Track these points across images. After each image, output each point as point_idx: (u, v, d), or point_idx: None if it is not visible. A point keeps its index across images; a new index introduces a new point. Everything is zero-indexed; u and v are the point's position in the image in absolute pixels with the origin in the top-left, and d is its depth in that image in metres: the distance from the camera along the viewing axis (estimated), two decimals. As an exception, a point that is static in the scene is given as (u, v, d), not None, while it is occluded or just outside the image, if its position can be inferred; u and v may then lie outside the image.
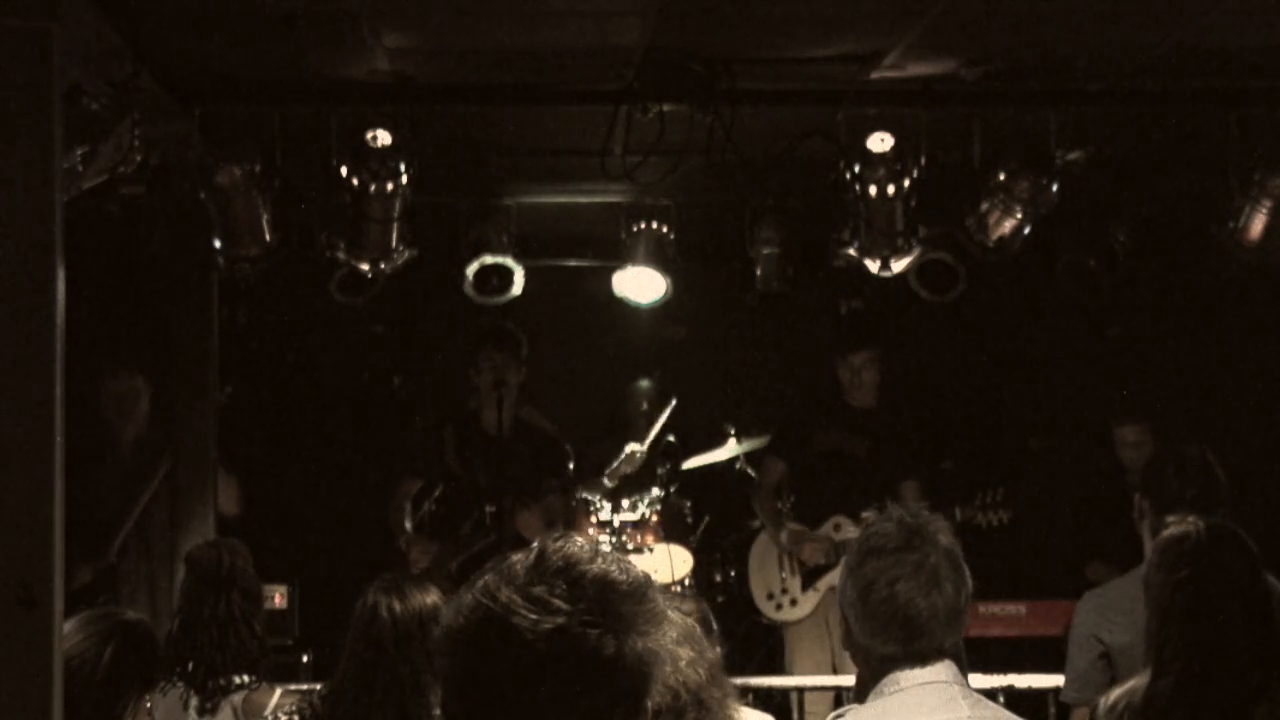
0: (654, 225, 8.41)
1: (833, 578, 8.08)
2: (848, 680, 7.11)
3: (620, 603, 2.13)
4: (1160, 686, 4.00)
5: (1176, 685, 3.97)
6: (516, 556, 2.18)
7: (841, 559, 8.10)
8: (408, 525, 8.39)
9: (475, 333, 8.47)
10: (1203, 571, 4.06)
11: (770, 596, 8.51)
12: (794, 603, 8.41)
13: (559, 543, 2.18)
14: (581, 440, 9.13)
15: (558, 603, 2.11)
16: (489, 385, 8.22)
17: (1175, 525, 4.21)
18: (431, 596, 4.49)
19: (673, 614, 2.98)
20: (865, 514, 3.37)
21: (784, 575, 8.43)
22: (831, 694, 7.66)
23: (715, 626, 4.56)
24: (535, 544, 2.19)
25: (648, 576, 2.19)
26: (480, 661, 2.13)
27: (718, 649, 4.39)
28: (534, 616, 2.10)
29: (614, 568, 2.16)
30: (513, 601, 2.12)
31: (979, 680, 6.68)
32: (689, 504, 9.14)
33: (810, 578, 8.34)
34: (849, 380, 8.42)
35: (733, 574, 9.11)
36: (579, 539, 2.20)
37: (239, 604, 5.11)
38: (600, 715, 2.12)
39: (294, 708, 4.63)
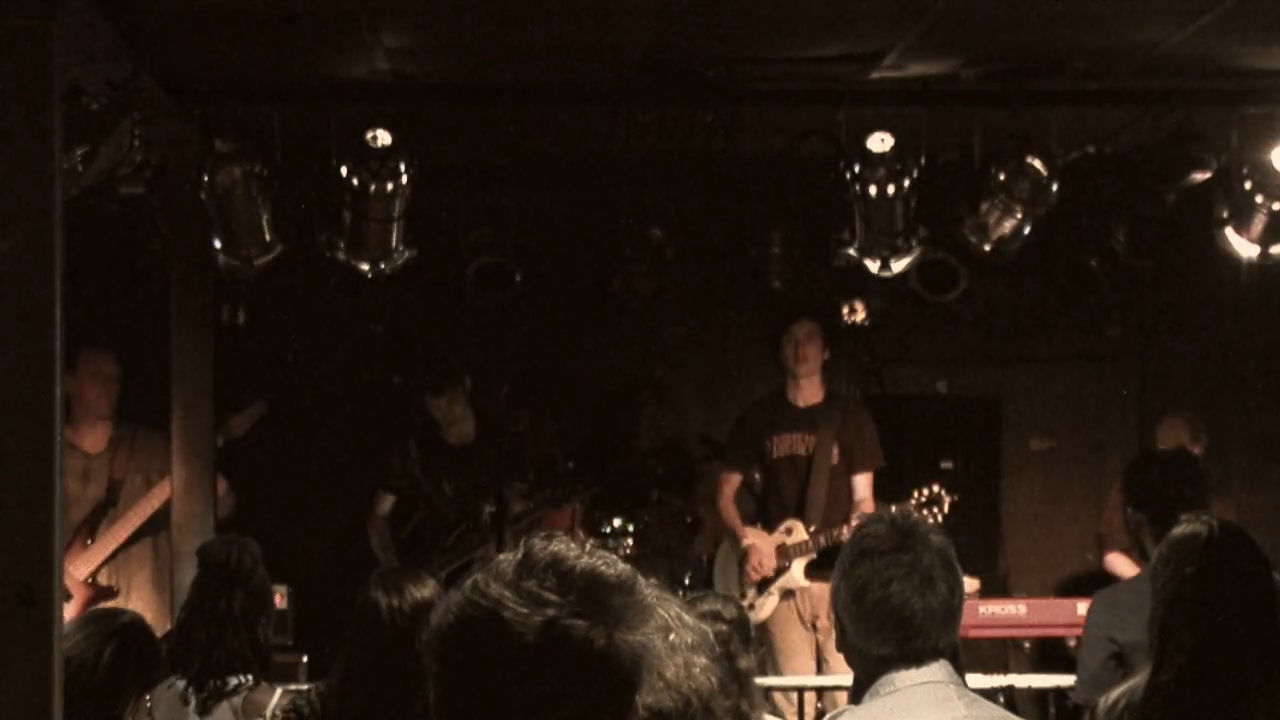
0: (654, 225, 8.40)
1: (785, 581, 8.13)
2: (838, 680, 7.11)
3: (610, 595, 2.13)
4: (1161, 681, 3.99)
5: (1177, 681, 3.96)
6: (504, 556, 2.19)
7: (794, 562, 8.13)
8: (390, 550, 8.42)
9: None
10: (1211, 569, 4.04)
11: None
12: (752, 608, 8.39)
13: (545, 540, 2.18)
14: (579, 441, 9.13)
15: (548, 595, 2.11)
16: None
17: (1188, 523, 4.19)
18: (429, 590, 4.49)
19: (688, 618, 2.97)
20: (855, 517, 3.36)
21: (744, 581, 8.40)
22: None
23: (754, 634, 4.57)
24: (521, 543, 2.19)
25: (635, 571, 2.19)
26: (472, 658, 2.13)
27: (752, 656, 4.40)
28: (525, 610, 2.10)
29: (601, 562, 2.17)
30: (503, 596, 2.12)
31: (979, 680, 6.67)
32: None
33: (764, 584, 8.33)
34: (792, 355, 8.22)
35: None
36: (565, 537, 2.20)
37: (242, 602, 5.09)
38: (592, 709, 2.12)
39: (290, 705, 4.63)
